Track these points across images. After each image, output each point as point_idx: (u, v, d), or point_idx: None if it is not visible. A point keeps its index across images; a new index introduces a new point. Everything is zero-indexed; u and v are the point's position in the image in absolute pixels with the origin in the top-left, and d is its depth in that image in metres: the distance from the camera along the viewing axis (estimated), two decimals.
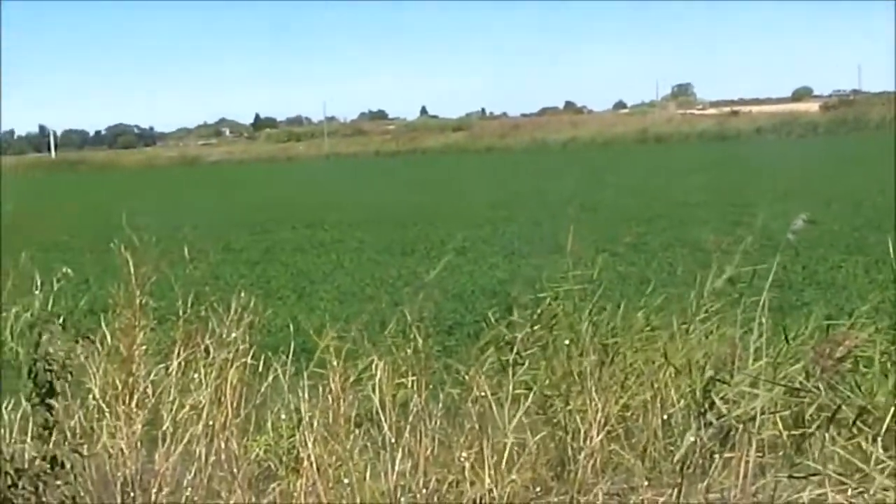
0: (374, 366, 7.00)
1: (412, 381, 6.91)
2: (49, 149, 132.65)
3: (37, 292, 8.56)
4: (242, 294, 7.69)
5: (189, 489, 7.07)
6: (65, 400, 5.60)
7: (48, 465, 5.08)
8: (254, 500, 6.85)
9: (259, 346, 7.73)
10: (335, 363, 6.91)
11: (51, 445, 5.27)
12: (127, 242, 7.71)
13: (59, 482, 5.04)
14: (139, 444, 7.16)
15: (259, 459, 7.26)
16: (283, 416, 7.38)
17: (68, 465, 5.15)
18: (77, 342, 6.25)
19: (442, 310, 14.17)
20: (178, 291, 7.88)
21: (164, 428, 7.21)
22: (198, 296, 8.04)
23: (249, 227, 33.03)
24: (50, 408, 5.24)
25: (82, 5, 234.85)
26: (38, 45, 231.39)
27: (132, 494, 6.97)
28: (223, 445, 7.23)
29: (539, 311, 7.82)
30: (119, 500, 6.93)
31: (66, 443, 5.43)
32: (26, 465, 5.19)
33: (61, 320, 5.47)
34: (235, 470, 6.97)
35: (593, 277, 8.16)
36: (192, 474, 7.14)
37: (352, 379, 6.98)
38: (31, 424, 6.92)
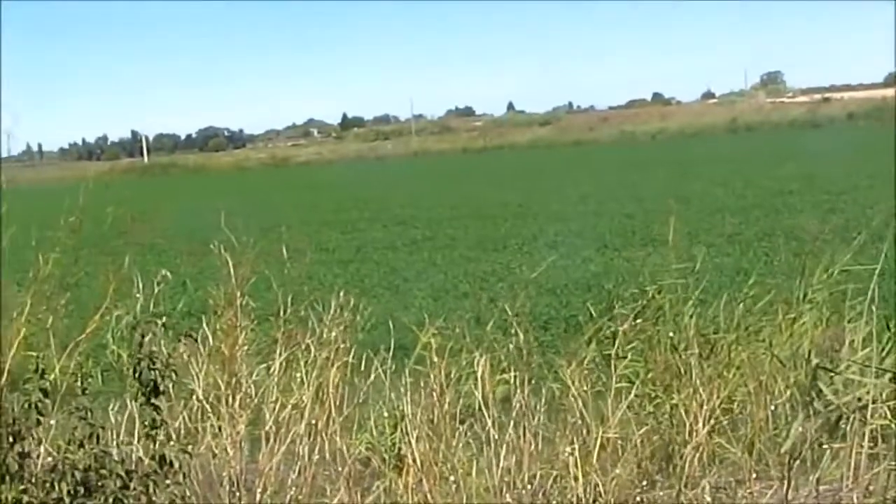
0: (475, 362, 6.97)
1: (514, 377, 6.87)
2: (142, 153, 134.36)
3: (138, 295, 8.64)
4: (341, 293, 7.71)
5: (293, 488, 7.10)
6: (169, 400, 5.63)
7: (157, 465, 5.11)
8: (358, 498, 6.85)
9: (357, 345, 7.75)
10: (436, 360, 6.90)
11: (158, 445, 5.30)
12: (226, 244, 7.77)
13: (168, 482, 5.06)
14: (242, 444, 7.20)
15: (362, 457, 7.26)
16: (385, 414, 7.39)
17: (177, 465, 5.18)
18: (179, 340, 6.30)
19: (536, 305, 14.11)
20: (278, 291, 7.92)
21: (268, 428, 7.24)
22: (295, 295, 8.08)
23: (340, 227, 33.16)
24: (156, 407, 5.28)
25: (169, 11, 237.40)
26: (129, 51, 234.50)
27: (237, 494, 7.00)
28: (326, 444, 7.25)
29: (641, 304, 7.77)
30: (225, 500, 6.98)
31: (171, 442, 5.45)
32: (134, 466, 5.22)
33: (162, 321, 5.49)
34: (339, 468, 6.99)
35: (695, 270, 8.09)
36: (296, 473, 7.16)
37: (454, 375, 6.97)
38: (136, 426, 7.01)
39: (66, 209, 9.49)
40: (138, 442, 6.51)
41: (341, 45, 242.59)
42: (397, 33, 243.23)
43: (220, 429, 7.25)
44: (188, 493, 6.34)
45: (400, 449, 7.24)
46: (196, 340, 7.27)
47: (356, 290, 8.83)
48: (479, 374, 6.84)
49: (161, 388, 5.28)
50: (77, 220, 9.44)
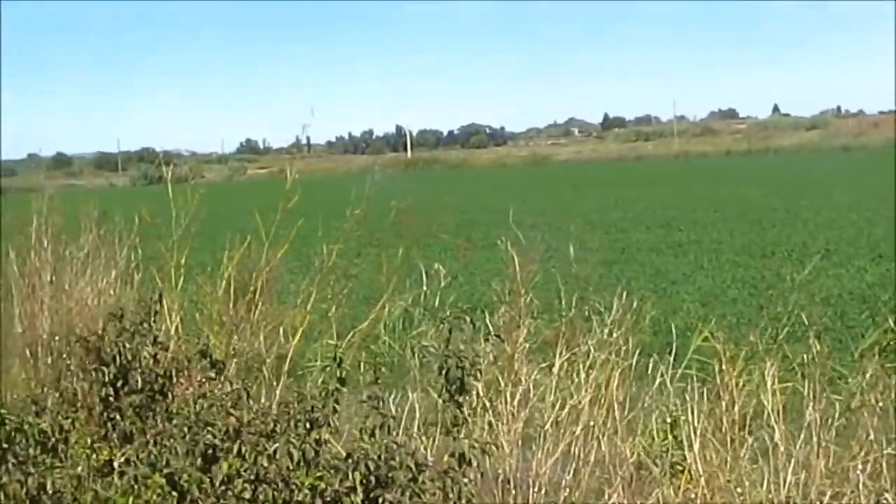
0: (765, 371, 6.74)
1: (809, 388, 6.59)
2: (405, 148, 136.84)
3: (424, 289, 8.74)
4: (624, 294, 7.61)
5: (566, 490, 7.03)
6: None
7: (457, 463, 5.11)
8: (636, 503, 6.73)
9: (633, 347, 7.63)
10: (723, 365, 6.72)
11: (457, 442, 5.31)
12: (513, 240, 7.76)
13: (465, 479, 5.06)
14: (519, 442, 7.17)
15: (638, 462, 7.14)
16: (667, 419, 7.26)
17: (475, 464, 5.18)
18: (487, 340, 6.31)
19: (810, 314, 13.70)
20: (562, 290, 7.87)
21: (546, 427, 7.19)
22: (569, 294, 8.02)
23: (603, 227, 32.99)
24: (459, 405, 5.29)
25: (429, 10, 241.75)
26: (396, 49, 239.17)
27: (513, 493, 6.98)
28: (603, 447, 7.16)
29: None
30: (499, 497, 6.95)
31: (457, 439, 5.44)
32: (421, 459, 5.23)
33: (470, 318, 5.50)
34: (618, 471, 6.88)
35: None
36: (570, 475, 7.09)
37: (740, 382, 6.77)
38: (416, 418, 7.06)
39: (351, 200, 9.63)
40: (420, 434, 6.59)
41: (605, 44, 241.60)
42: (661, 33, 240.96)
43: (495, 425, 7.23)
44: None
45: (675, 455, 7.10)
46: (503, 341, 7.25)
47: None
48: (768, 384, 6.60)
49: (466, 386, 5.29)
50: (361, 211, 9.59)
